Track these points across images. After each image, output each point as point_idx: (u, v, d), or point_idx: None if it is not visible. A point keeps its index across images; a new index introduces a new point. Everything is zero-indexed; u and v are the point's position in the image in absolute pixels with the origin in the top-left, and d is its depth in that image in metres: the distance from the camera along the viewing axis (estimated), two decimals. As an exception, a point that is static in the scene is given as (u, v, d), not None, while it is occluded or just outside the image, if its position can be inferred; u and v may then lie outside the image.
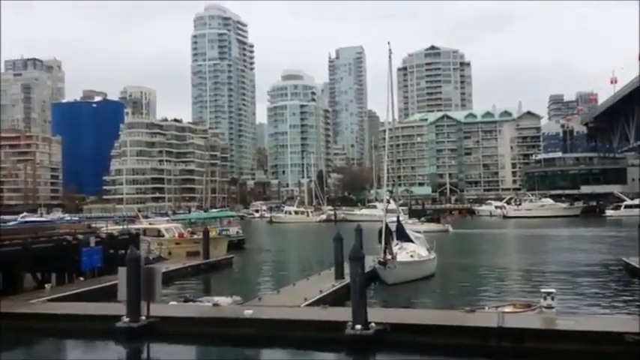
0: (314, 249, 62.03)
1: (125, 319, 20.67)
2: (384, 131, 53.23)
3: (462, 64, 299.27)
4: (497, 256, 51.57)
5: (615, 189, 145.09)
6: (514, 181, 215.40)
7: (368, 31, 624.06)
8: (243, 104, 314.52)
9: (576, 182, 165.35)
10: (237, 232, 63.71)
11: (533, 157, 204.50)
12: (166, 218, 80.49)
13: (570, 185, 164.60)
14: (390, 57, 42.32)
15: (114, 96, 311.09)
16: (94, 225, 52.75)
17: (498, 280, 35.87)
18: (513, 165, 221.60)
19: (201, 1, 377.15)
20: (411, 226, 48.40)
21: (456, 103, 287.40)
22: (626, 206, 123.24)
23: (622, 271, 36.95)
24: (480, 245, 64.60)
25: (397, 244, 36.71)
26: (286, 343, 19.89)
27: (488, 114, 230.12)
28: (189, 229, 55.13)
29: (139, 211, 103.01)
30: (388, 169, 50.93)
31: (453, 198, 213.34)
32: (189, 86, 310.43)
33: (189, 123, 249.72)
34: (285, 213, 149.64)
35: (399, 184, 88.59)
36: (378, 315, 19.90)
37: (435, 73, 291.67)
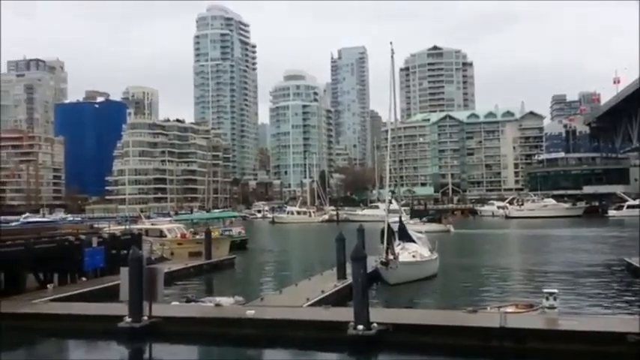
0: (316, 249, 62.00)
1: (127, 319, 20.67)
2: (387, 131, 53.09)
3: (464, 64, 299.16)
4: (500, 256, 51.53)
5: (618, 189, 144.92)
6: (516, 182, 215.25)
7: (370, 32, 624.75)
8: (246, 104, 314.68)
9: (579, 182, 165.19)
10: (240, 233, 63.72)
11: (536, 157, 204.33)
12: (169, 219, 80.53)
13: (573, 185, 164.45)
14: (392, 57, 42.38)
15: (116, 96, 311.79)
16: (96, 225, 52.83)
17: (500, 281, 35.83)
18: (516, 165, 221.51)
19: (203, 1, 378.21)
20: (413, 227, 48.41)
21: (459, 104, 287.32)
22: (629, 206, 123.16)
23: (624, 271, 36.90)
24: (482, 245, 64.54)
25: (399, 244, 36.69)
26: (288, 344, 19.88)
27: (490, 114, 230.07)
28: (192, 229, 55.15)
29: (142, 211, 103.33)
30: (390, 170, 50.83)
31: (456, 198, 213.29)
32: (191, 86, 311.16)
33: (192, 123, 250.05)
34: (288, 213, 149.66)
35: (402, 185, 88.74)
36: (380, 315, 19.90)
37: (438, 74, 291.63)
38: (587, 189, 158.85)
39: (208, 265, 42.39)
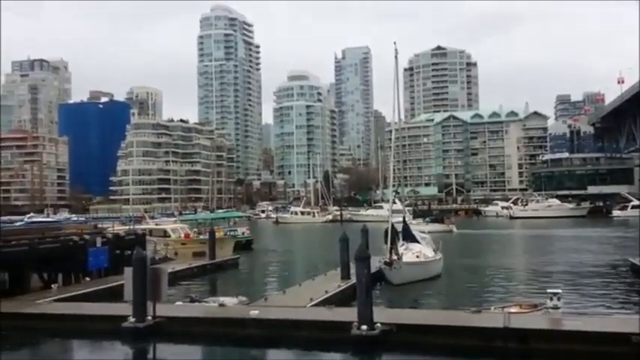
0: (320, 249, 62.04)
1: (131, 319, 20.73)
2: (390, 131, 53.24)
3: (468, 64, 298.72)
4: (504, 256, 51.52)
5: (622, 189, 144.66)
6: (521, 182, 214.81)
7: (373, 32, 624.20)
8: (249, 105, 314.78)
9: (583, 183, 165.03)
10: (243, 233, 63.72)
11: (540, 157, 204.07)
12: (174, 219, 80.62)
13: (577, 186, 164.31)
14: (396, 57, 42.43)
15: (120, 97, 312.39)
16: (100, 225, 52.84)
17: (504, 281, 35.80)
18: (520, 165, 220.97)
19: (207, 1, 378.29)
20: (415, 227, 48.43)
21: (463, 104, 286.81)
22: (633, 206, 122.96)
23: (628, 271, 36.84)
24: (486, 246, 64.49)
25: (403, 244, 36.69)
26: (292, 344, 19.92)
27: (494, 114, 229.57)
28: (195, 229, 55.20)
29: (145, 211, 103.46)
30: (394, 170, 50.87)
31: (460, 198, 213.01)
32: (195, 87, 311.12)
33: (196, 123, 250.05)
34: (291, 213, 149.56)
35: (405, 185, 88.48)
36: (384, 315, 19.92)
37: (442, 74, 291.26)
38: (592, 189, 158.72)
39: (212, 265, 42.43)
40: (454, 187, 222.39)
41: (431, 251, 37.19)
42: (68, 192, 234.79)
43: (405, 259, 33.50)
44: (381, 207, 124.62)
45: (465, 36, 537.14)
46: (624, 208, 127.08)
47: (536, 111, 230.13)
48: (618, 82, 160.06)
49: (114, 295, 26.32)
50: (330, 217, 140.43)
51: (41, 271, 30.72)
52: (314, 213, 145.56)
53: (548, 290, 21.74)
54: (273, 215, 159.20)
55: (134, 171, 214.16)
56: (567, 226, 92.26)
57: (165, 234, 50.09)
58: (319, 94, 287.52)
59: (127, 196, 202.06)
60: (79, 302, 25.81)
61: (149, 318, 20.84)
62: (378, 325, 18.65)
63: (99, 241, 33.69)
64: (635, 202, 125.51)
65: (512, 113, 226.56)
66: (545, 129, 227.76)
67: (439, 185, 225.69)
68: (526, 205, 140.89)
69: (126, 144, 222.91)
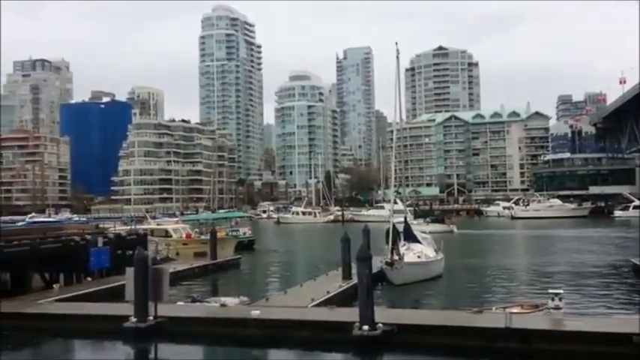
0: (321, 249, 62.03)
1: (133, 319, 20.75)
2: (392, 132, 53.25)
3: (469, 64, 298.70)
4: (505, 256, 51.50)
5: (624, 190, 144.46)
6: (522, 182, 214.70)
7: (374, 32, 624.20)
8: (251, 105, 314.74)
9: (585, 183, 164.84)
10: (245, 234, 63.71)
11: (542, 157, 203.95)
12: (176, 219, 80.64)
13: (579, 186, 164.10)
14: (397, 57, 42.45)
15: (122, 97, 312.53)
16: (101, 225, 52.95)
17: (506, 281, 35.79)
18: (521, 165, 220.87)
19: (208, 1, 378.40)
20: (416, 227, 48.49)
21: (464, 104, 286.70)
22: (635, 207, 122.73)
23: (630, 272, 36.81)
24: (487, 246, 64.43)
25: (404, 244, 36.68)
26: (293, 344, 19.92)
27: (496, 114, 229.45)
28: (197, 229, 55.21)
29: (147, 211, 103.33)
30: (396, 170, 50.91)
31: (461, 199, 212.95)
32: (196, 87, 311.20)
33: (197, 124, 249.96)
34: (293, 214, 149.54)
35: (407, 185, 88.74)
36: (386, 315, 19.92)
37: (443, 74, 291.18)
38: (593, 189, 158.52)
39: (213, 265, 42.44)
40: (455, 187, 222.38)
41: (432, 251, 37.18)
42: (70, 192, 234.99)
43: (406, 259, 33.49)
44: (382, 207, 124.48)
45: (466, 36, 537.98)
46: (626, 208, 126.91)
47: (538, 111, 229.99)
48: (620, 82, 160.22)
49: (115, 295, 26.36)
50: (331, 217, 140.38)
51: (43, 271, 30.76)
52: (315, 213, 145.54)
53: (550, 290, 21.73)
54: (275, 215, 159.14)
55: (136, 171, 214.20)
56: (569, 227, 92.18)
57: (166, 234, 50.11)
58: (321, 94, 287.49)
59: (128, 196, 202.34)
60: (80, 302, 25.83)
61: (150, 318, 20.87)
62: (380, 325, 18.65)
63: (100, 241, 33.71)
64: (637, 203, 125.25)
65: (514, 113, 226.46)
66: (546, 129, 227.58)
67: (441, 185, 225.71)
68: (527, 205, 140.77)
69: (127, 144, 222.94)
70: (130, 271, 21.78)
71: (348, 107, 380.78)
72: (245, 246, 58.60)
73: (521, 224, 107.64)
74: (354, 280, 25.36)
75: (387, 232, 34.81)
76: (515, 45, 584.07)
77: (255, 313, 21.12)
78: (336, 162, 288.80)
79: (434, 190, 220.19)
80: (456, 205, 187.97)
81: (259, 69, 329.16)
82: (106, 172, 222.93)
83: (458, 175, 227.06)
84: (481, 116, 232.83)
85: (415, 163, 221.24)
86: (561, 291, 21.54)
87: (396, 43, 41.46)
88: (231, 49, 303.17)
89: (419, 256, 35.40)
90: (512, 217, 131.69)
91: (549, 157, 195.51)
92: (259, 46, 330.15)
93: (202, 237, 49.66)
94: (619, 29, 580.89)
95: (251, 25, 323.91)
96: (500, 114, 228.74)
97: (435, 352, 18.53)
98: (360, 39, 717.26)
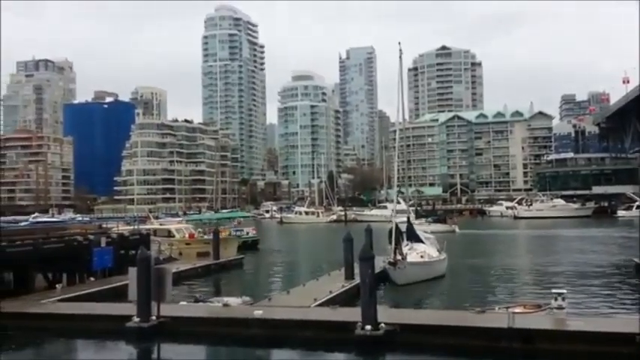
0: (324, 249, 61.96)
1: (135, 319, 20.76)
2: (395, 131, 53.09)
3: (473, 64, 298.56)
4: (508, 256, 51.49)
5: (627, 189, 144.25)
6: (525, 182, 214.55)
7: (376, 32, 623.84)
8: (254, 105, 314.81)
9: (588, 183, 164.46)
10: (248, 233, 63.75)
11: (545, 157, 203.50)
12: (179, 219, 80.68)
13: (582, 186, 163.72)
14: (400, 57, 42.46)
15: (125, 97, 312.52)
16: (104, 225, 52.92)
17: (508, 281, 35.77)
18: (525, 165, 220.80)
19: (211, 1, 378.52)
20: (418, 227, 48.47)
21: (467, 104, 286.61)
22: (638, 207, 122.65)
23: (633, 272, 36.75)
24: (490, 246, 64.37)
25: (407, 244, 36.66)
26: (296, 344, 19.91)
27: (499, 114, 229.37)
28: (200, 229, 55.22)
29: (150, 211, 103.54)
30: (399, 170, 50.88)
31: (464, 198, 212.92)
32: (199, 87, 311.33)
33: (200, 124, 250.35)
34: (296, 213, 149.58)
35: (410, 185, 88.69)
36: (388, 315, 19.89)
37: (446, 74, 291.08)
38: (597, 189, 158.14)
39: (216, 265, 42.45)
40: (459, 187, 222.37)
41: (435, 251, 37.15)
42: (73, 192, 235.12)
43: (409, 259, 33.49)
44: (385, 207, 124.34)
45: (469, 36, 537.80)
46: (629, 208, 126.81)
47: (541, 111, 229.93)
48: (623, 82, 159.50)
49: (118, 295, 26.36)
50: (334, 217, 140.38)
51: (45, 271, 30.78)
52: (318, 213, 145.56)
53: (553, 290, 21.68)
54: (278, 215, 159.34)
55: (139, 171, 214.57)
56: (572, 227, 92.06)
57: (169, 234, 50.08)
58: (324, 94, 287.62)
59: (131, 196, 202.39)
60: (83, 302, 25.84)
61: (153, 318, 20.87)
62: (382, 325, 18.64)
63: (103, 241, 33.73)
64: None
65: (517, 113, 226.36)
66: (549, 129, 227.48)
67: (444, 185, 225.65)
68: (530, 205, 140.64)
69: (130, 144, 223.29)
70: (132, 271, 21.78)
71: (351, 107, 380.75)
72: (249, 246, 58.71)
73: (524, 224, 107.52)
74: (357, 280, 25.32)
75: (390, 231, 34.80)
76: (519, 45, 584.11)
77: (258, 313, 21.13)
78: (338, 162, 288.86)
79: (437, 190, 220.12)
80: (459, 205, 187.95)
81: (262, 69, 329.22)
82: (109, 172, 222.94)
83: (461, 175, 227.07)
84: (484, 116, 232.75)
85: (418, 163, 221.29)
86: (564, 291, 21.47)
87: (399, 43, 41.56)
88: (234, 49, 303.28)
89: (422, 256, 35.39)
90: (515, 217, 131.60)
91: (552, 156, 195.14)
92: (262, 46, 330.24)
93: (205, 237, 49.66)
94: (622, 29, 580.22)
95: (254, 25, 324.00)
96: (503, 114, 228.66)
97: (437, 352, 18.52)
98: (362, 39, 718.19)
